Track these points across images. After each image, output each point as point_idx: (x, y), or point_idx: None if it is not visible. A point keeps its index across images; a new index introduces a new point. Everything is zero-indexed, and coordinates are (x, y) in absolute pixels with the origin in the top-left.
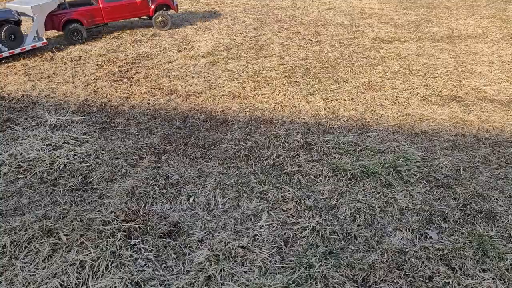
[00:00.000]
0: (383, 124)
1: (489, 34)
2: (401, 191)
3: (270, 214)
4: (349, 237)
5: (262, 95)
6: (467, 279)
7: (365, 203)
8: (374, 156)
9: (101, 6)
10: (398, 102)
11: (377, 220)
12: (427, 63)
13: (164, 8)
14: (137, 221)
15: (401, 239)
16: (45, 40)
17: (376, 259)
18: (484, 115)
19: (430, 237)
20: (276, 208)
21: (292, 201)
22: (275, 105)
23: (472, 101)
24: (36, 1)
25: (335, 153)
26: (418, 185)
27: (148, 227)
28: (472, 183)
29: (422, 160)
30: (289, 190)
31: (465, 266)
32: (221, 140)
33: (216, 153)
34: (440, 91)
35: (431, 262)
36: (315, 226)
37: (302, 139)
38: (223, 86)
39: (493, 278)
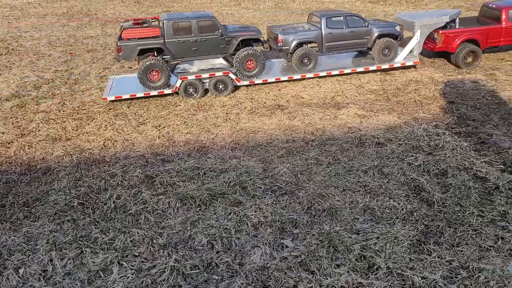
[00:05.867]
0: (220, 142)
1: None
2: (251, 207)
3: (122, 264)
4: (211, 267)
5: (87, 133)
6: (327, 279)
7: (220, 227)
8: (218, 176)
9: (503, 25)
10: (230, 118)
11: (235, 241)
12: None
13: None
14: None
15: (260, 255)
16: (417, 59)
17: (242, 283)
18: (306, 119)
19: (287, 246)
20: (127, 256)
21: (143, 244)
22: (104, 142)
23: (293, 107)
24: (424, 16)
25: (179, 182)
26: (265, 197)
27: None
28: (311, 185)
29: (263, 172)
30: (138, 232)
31: (322, 267)
32: (47, 192)
33: (43, 209)
34: (264, 103)
35: (293, 271)
36: (174, 265)
37: (142, 173)
38: (39, 130)
39: (347, 271)
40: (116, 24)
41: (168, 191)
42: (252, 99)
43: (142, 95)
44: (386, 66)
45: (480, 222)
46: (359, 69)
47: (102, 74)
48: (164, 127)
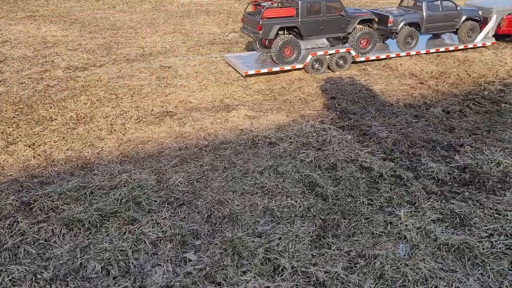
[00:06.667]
0: (107, 157)
1: (176, 48)
2: (148, 223)
3: None
4: None
5: None
6: None
7: (115, 250)
8: (108, 194)
9: None
10: (115, 130)
11: (133, 263)
12: (131, 85)
13: None
14: None
15: (162, 273)
16: (494, 40)
17: None
18: (197, 124)
19: (190, 260)
20: None
21: (25, 281)
22: None
23: (183, 113)
24: (498, 3)
25: (63, 205)
26: (161, 211)
27: None
28: (208, 192)
29: (157, 184)
30: (17, 269)
31: (228, 276)
32: None
33: None
34: (152, 110)
35: (198, 285)
36: None
37: (16, 200)
38: None
39: (254, 277)
40: None
41: (51, 217)
42: (137, 107)
43: (278, 69)
44: (470, 45)
45: (370, 210)
46: (451, 48)
47: None
48: (40, 145)
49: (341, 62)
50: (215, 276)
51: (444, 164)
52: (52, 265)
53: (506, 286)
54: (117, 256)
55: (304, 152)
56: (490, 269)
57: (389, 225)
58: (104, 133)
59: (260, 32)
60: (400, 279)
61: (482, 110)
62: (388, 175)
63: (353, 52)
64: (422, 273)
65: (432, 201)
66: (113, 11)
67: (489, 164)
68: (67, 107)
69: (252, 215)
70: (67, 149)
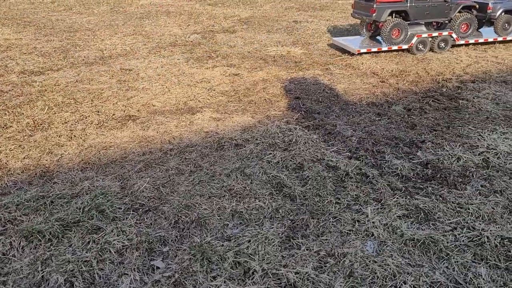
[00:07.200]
0: (67, 164)
1: (137, 51)
2: (112, 231)
3: None
4: None
5: None
6: None
7: (78, 261)
8: (69, 203)
9: None
10: (75, 136)
11: (98, 274)
12: (91, 88)
13: None
14: None
15: (129, 283)
16: None
17: None
18: (161, 127)
19: (157, 267)
20: None
21: None
22: None
23: (146, 117)
24: None
25: (21, 216)
26: (127, 218)
27: None
28: (175, 197)
29: (121, 191)
30: None
31: (198, 282)
32: None
33: None
34: (113, 114)
35: None
36: None
37: None
38: None
39: (224, 282)
40: None
41: (8, 229)
42: (98, 111)
43: (386, 49)
44: (500, 38)
45: (338, 209)
46: None
47: None
48: None
49: (442, 44)
50: (184, 283)
51: (407, 160)
52: (11, 280)
53: (470, 277)
54: (81, 267)
55: (270, 153)
56: (455, 261)
57: (356, 223)
58: (63, 140)
59: (373, 15)
60: (369, 276)
61: (441, 107)
62: (354, 173)
63: (454, 35)
64: (390, 269)
65: (397, 198)
66: (69, 12)
67: (449, 159)
68: (23, 113)
69: (220, 218)
70: (24, 157)
